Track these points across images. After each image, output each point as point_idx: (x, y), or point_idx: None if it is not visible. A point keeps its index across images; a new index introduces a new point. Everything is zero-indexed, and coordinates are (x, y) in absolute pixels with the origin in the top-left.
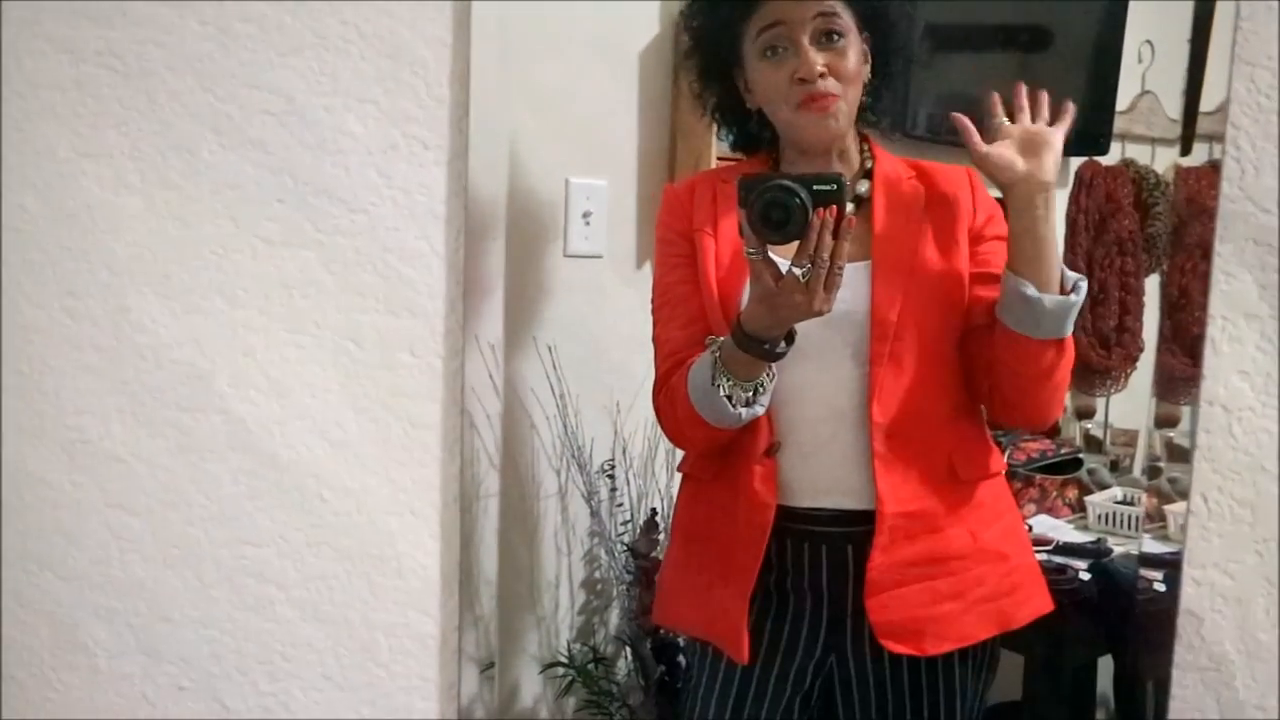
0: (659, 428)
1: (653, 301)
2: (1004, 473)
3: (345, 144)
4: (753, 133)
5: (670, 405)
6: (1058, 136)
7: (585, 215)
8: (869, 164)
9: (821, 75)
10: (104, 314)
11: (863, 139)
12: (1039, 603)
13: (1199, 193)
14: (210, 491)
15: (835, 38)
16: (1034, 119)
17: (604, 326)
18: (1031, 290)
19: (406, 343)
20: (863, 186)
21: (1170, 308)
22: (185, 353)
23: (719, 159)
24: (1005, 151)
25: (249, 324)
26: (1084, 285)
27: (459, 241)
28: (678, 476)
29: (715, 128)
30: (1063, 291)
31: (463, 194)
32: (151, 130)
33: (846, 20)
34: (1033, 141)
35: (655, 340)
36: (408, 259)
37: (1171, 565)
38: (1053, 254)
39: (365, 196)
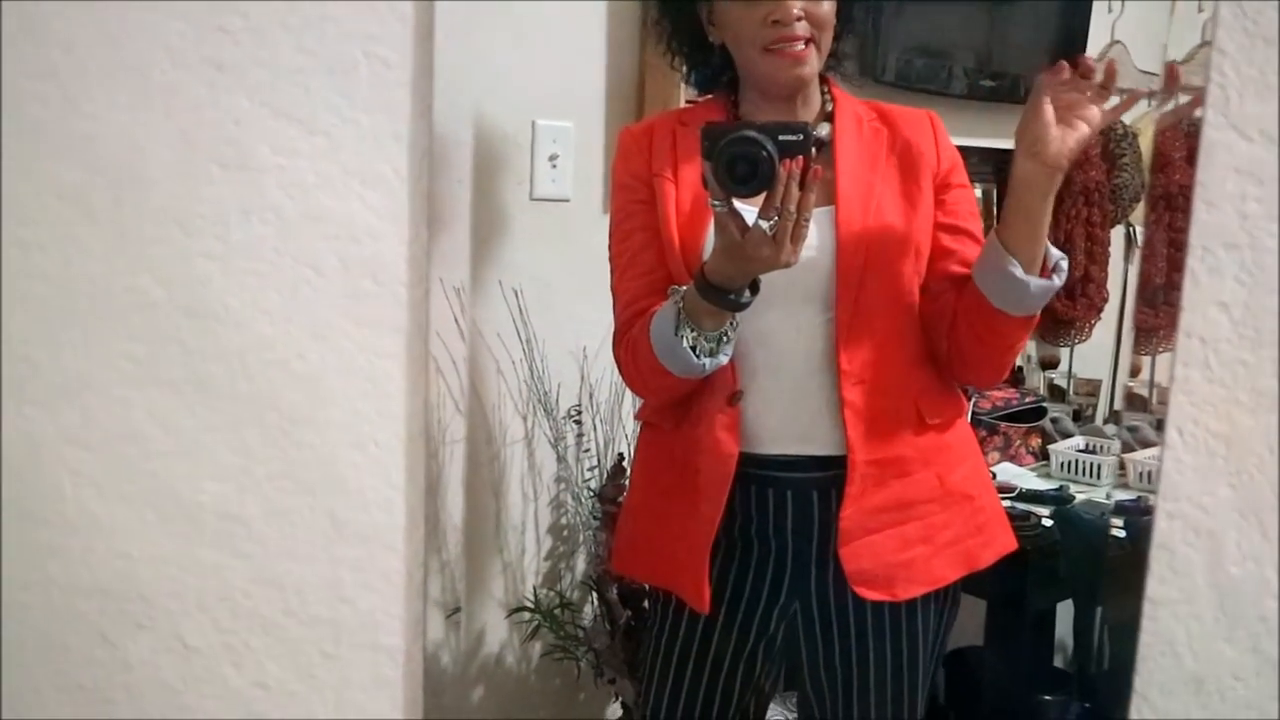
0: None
1: (610, 249)
2: (966, 415)
3: (304, 63)
4: (712, 70)
5: (632, 356)
6: (1095, 119)
7: (552, 158)
8: (829, 106)
9: (798, 19)
10: (52, 242)
11: (822, 80)
12: (1004, 542)
13: (1164, 144)
14: (168, 425)
15: None
16: (1083, 89)
17: (571, 271)
18: (1019, 271)
19: (369, 270)
20: (824, 129)
21: (1137, 259)
22: (139, 281)
23: (687, 102)
24: (1053, 121)
25: (206, 251)
26: (1065, 265)
27: (423, 166)
28: None
29: (684, 69)
30: (1045, 271)
31: (427, 115)
32: (99, 50)
33: None
34: (1070, 115)
35: (614, 289)
36: (370, 183)
37: (1132, 512)
38: (1044, 235)
39: (325, 118)
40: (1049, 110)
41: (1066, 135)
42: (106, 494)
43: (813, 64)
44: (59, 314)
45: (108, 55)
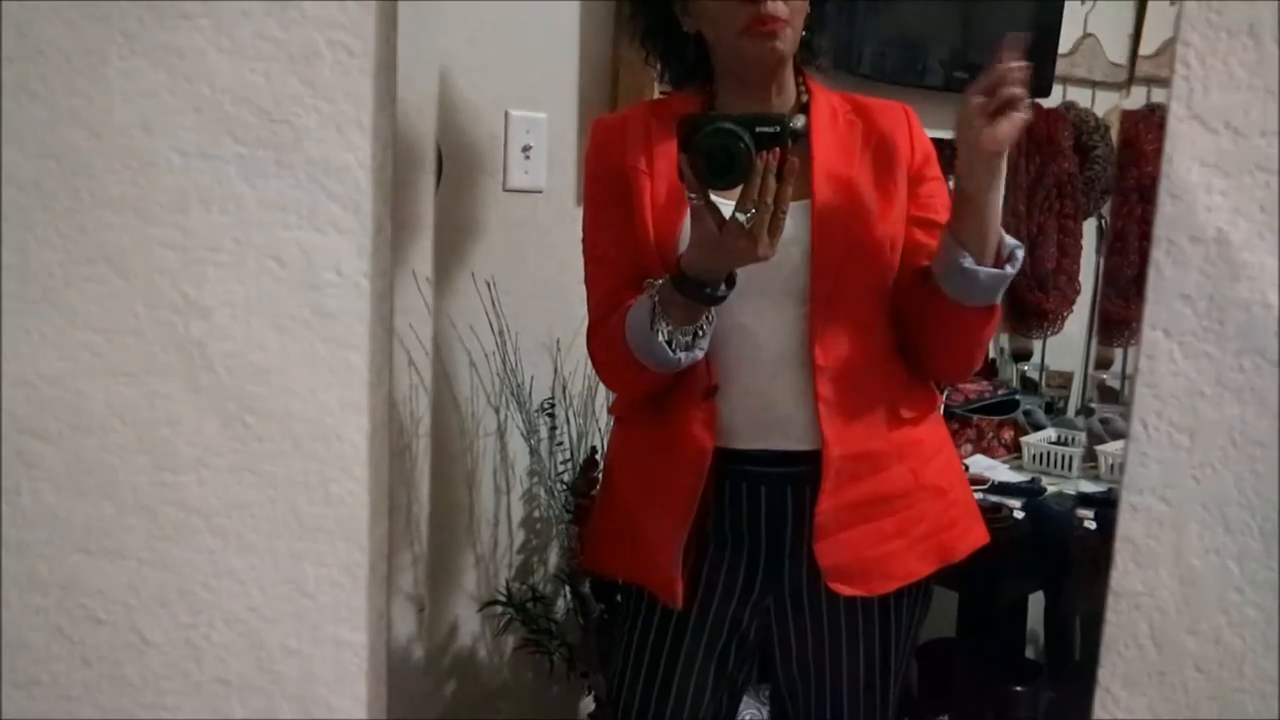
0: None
1: (584, 241)
2: (940, 408)
3: (266, 50)
4: (687, 62)
5: (606, 350)
6: (1025, 102)
7: (525, 149)
8: (804, 98)
9: None
10: (8, 230)
11: (797, 72)
12: (976, 535)
13: (1136, 137)
14: (126, 416)
15: None
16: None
17: (544, 263)
18: (969, 262)
19: (332, 261)
20: (799, 121)
21: (1107, 250)
22: (97, 270)
23: (661, 93)
24: (984, 111)
25: (165, 240)
26: (1020, 254)
27: (386, 156)
28: None
29: (657, 65)
30: (999, 261)
31: (390, 105)
32: (56, 35)
33: None
34: (1000, 102)
35: (588, 282)
36: (332, 173)
37: (1103, 504)
38: (994, 223)
39: (287, 106)
40: (980, 102)
41: (998, 124)
42: (63, 487)
43: (785, 43)
44: (15, 304)
45: (65, 40)
